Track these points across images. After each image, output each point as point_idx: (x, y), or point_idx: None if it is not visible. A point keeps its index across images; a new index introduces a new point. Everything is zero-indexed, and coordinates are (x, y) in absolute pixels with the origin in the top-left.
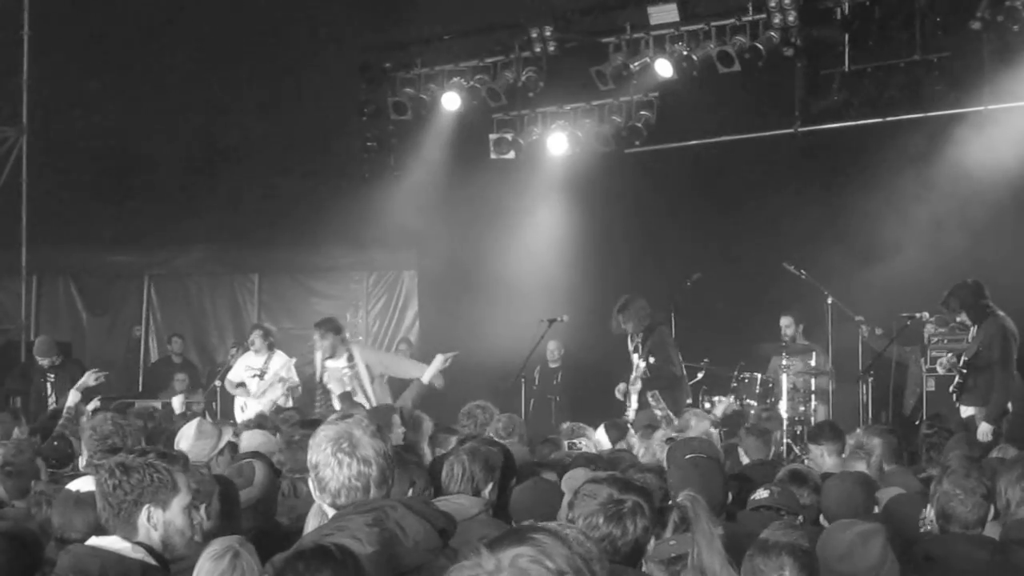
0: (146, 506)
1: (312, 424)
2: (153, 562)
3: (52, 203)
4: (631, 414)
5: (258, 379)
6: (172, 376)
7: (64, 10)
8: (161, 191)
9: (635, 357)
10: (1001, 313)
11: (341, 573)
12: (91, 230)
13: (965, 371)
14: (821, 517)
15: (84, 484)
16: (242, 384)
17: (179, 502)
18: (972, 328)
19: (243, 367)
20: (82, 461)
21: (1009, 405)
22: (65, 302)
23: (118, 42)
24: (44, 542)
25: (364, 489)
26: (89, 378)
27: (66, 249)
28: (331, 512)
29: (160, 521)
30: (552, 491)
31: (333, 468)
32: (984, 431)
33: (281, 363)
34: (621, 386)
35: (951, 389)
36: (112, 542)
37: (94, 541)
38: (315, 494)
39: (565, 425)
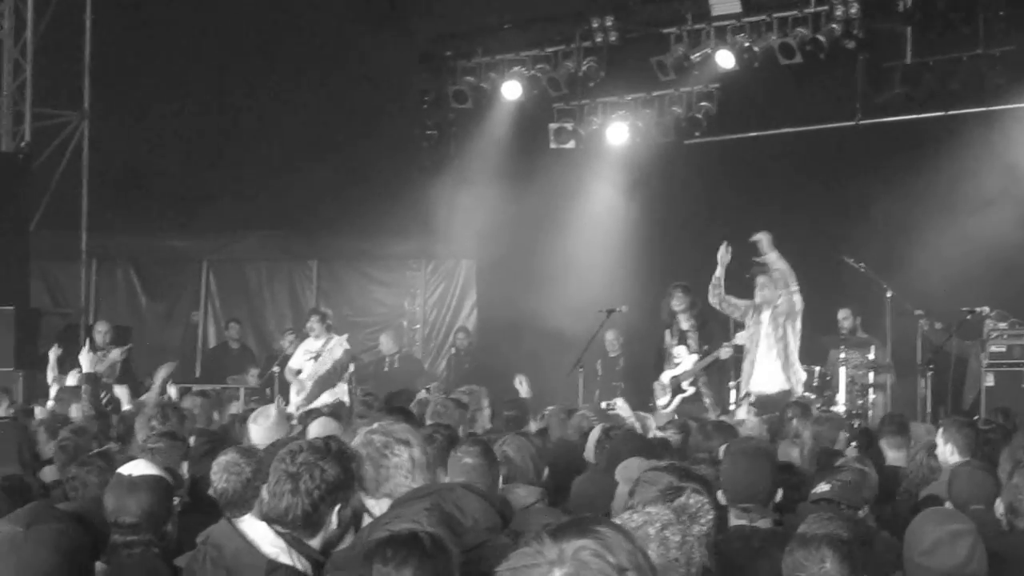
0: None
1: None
2: (288, 560)
3: (112, 188)
4: (664, 402)
5: (312, 362)
6: (229, 362)
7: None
8: (220, 177)
9: (680, 349)
10: None
11: (427, 564)
12: (151, 215)
13: None
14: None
15: (137, 468)
16: (300, 371)
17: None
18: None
19: (302, 352)
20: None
21: None
22: (124, 287)
23: (180, 26)
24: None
25: (408, 473)
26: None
27: (126, 234)
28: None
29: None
30: (610, 483)
31: (375, 461)
32: None
33: (337, 348)
34: (665, 377)
35: None
36: (257, 528)
37: (245, 522)
38: (371, 485)
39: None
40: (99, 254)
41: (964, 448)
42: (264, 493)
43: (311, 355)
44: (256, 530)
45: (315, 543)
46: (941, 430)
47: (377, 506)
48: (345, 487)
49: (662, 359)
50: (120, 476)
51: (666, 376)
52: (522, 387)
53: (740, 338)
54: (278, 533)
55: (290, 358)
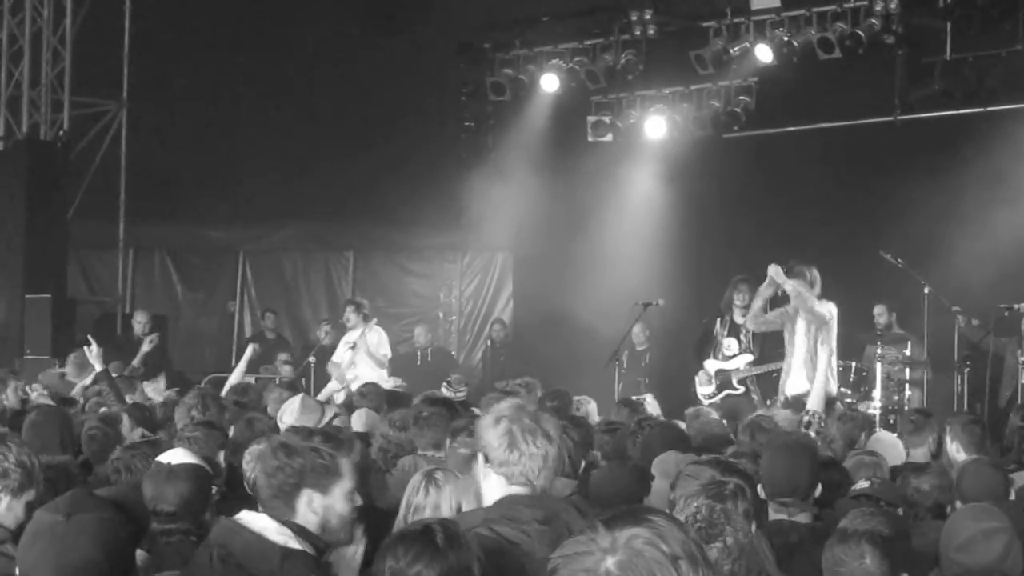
0: (306, 490)
1: (442, 402)
2: (297, 546)
3: (150, 177)
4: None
5: (351, 351)
6: (265, 352)
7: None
8: (258, 167)
9: (732, 342)
10: None
11: (438, 559)
12: (188, 205)
13: None
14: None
15: (176, 456)
16: (340, 363)
17: (341, 488)
18: None
19: (343, 345)
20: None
21: None
22: (161, 276)
23: (218, 16)
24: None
25: (543, 460)
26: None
27: (163, 224)
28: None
29: (320, 506)
30: (635, 475)
31: (516, 442)
32: None
33: (374, 337)
34: (711, 367)
35: None
36: (259, 519)
37: (245, 516)
38: (482, 470)
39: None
40: (136, 243)
41: (969, 445)
42: (258, 484)
43: (349, 345)
44: (259, 521)
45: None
46: (948, 428)
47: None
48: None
49: (707, 345)
50: (159, 464)
51: (713, 366)
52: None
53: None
54: (281, 522)
55: (325, 348)
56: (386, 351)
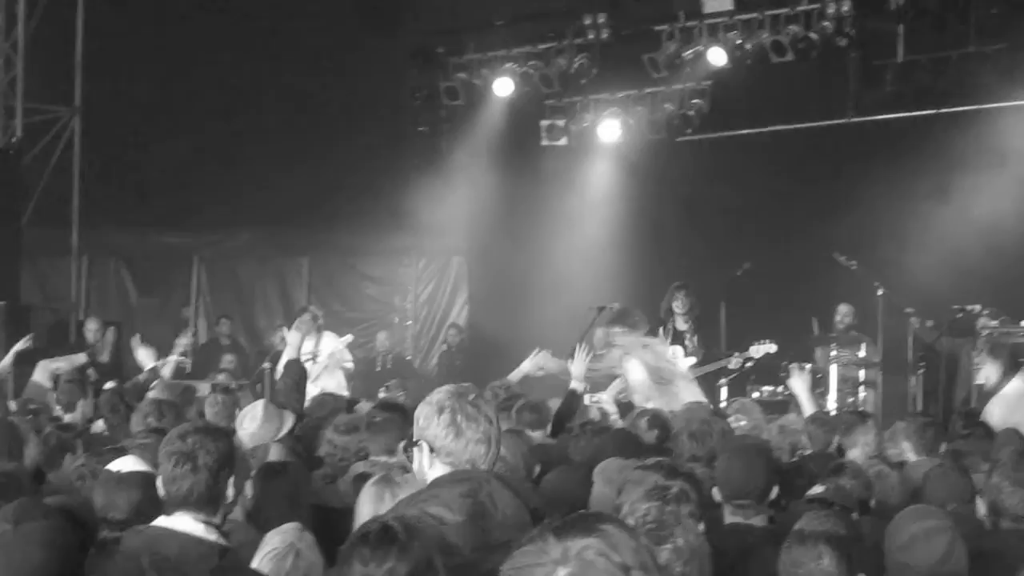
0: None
1: (395, 408)
2: (227, 543)
3: (104, 184)
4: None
5: (311, 363)
6: (220, 359)
7: None
8: (212, 173)
9: (676, 350)
10: None
11: (405, 554)
12: (142, 211)
13: None
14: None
15: (126, 464)
16: None
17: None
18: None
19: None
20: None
21: None
22: (115, 283)
23: (171, 23)
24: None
25: (487, 443)
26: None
27: (117, 230)
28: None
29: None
30: (583, 479)
31: (459, 426)
32: None
33: (333, 345)
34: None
35: None
36: (185, 523)
37: (164, 522)
38: (426, 458)
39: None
40: (90, 250)
41: (920, 447)
42: (159, 483)
43: (306, 356)
44: (184, 523)
45: (218, 519)
46: (902, 428)
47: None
48: (233, 459)
49: None
50: (108, 472)
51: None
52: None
53: (755, 351)
54: (206, 523)
55: (281, 354)
56: (352, 364)
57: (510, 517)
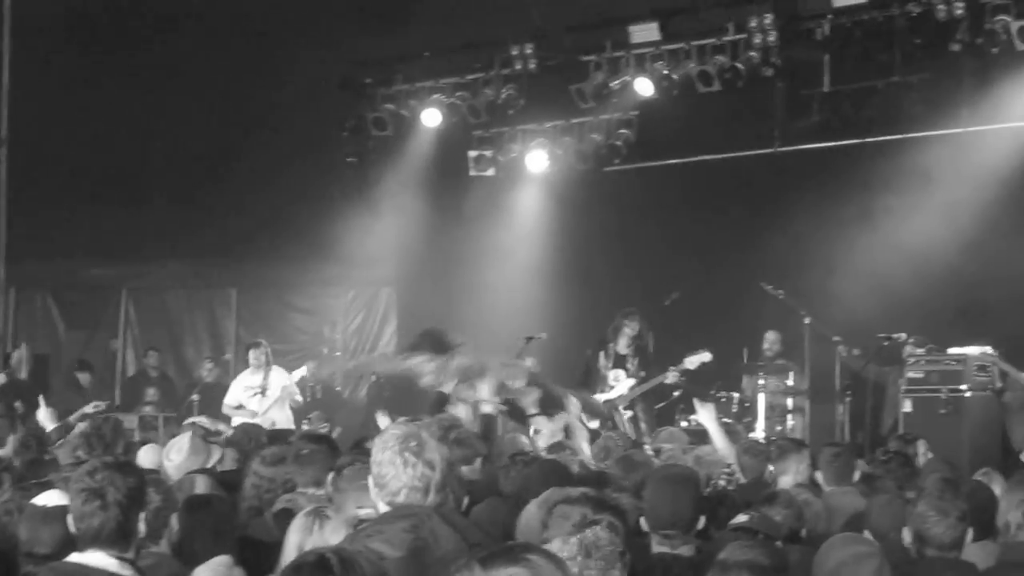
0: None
1: (323, 439)
2: None
3: (31, 216)
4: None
5: (260, 397)
6: (148, 391)
7: (45, 22)
8: (139, 205)
9: (618, 373)
10: None
11: None
12: (69, 244)
13: None
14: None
15: (51, 498)
16: (241, 407)
17: None
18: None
19: (241, 388)
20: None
21: None
22: (43, 315)
23: (98, 56)
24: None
25: (424, 491)
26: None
27: (44, 262)
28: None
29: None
30: (513, 510)
31: (398, 467)
32: None
33: (283, 379)
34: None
35: None
36: (98, 559)
37: (78, 558)
38: (372, 492)
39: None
40: (17, 282)
41: (831, 478)
42: (69, 519)
43: (254, 390)
44: (97, 559)
45: (131, 554)
46: (816, 456)
47: None
48: (143, 494)
49: (591, 380)
50: (34, 507)
51: (599, 400)
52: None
53: (690, 363)
54: (115, 557)
55: (209, 386)
56: (300, 397)
57: (450, 552)
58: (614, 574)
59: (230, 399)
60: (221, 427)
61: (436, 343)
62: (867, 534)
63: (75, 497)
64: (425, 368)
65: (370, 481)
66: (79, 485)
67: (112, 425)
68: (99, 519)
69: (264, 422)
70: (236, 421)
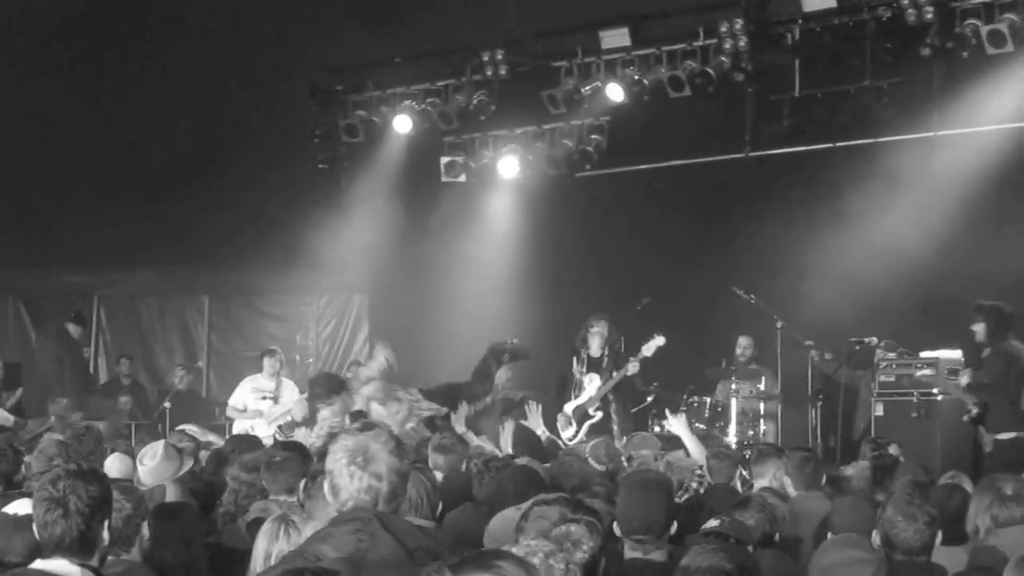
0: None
1: (294, 447)
2: None
3: (1, 222)
4: (569, 434)
5: (272, 402)
6: (120, 398)
7: (21, 29)
8: (111, 212)
9: (593, 376)
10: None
11: None
12: (40, 251)
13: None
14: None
15: (22, 507)
16: (245, 409)
17: None
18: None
19: (249, 389)
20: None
21: None
22: (14, 323)
23: (73, 64)
24: None
25: (373, 503)
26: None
27: (15, 269)
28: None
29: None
30: (484, 516)
31: (345, 478)
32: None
33: (295, 395)
34: (568, 408)
35: (969, 419)
36: (60, 566)
37: (40, 565)
38: (328, 498)
39: None
40: None
41: (799, 483)
42: (34, 527)
43: (264, 394)
44: (60, 566)
45: (95, 562)
46: (785, 461)
47: None
48: (108, 502)
49: (566, 387)
50: (5, 516)
51: (569, 407)
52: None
53: (646, 350)
54: (82, 565)
55: (181, 393)
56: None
57: (386, 557)
58: (581, 563)
59: (235, 401)
60: (211, 438)
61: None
62: (830, 536)
63: (37, 506)
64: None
65: (325, 488)
66: (42, 494)
67: (94, 435)
68: (60, 528)
69: (268, 429)
70: (239, 424)
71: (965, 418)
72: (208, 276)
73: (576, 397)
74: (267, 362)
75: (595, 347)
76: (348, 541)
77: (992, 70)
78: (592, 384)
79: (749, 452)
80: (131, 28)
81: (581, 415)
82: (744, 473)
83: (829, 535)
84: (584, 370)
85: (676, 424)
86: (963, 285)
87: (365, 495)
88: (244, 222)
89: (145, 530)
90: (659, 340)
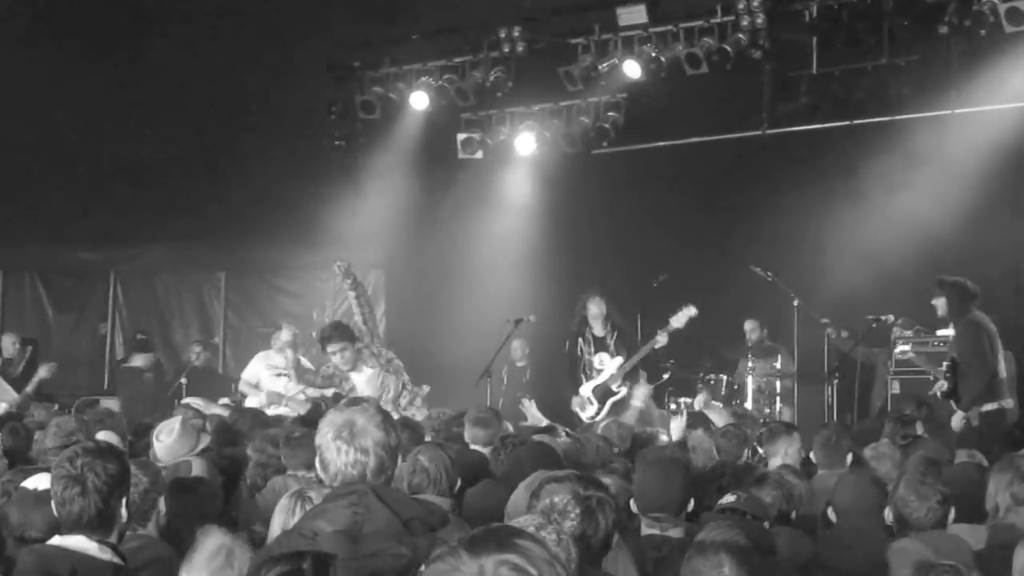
0: (124, 498)
1: (312, 422)
2: (121, 562)
3: (18, 200)
4: (591, 413)
5: (287, 379)
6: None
7: (36, 9)
8: (128, 188)
9: (603, 356)
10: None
11: None
12: (57, 227)
13: (949, 375)
14: (830, 510)
15: (43, 481)
16: (257, 385)
17: None
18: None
19: (263, 365)
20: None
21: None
22: (31, 299)
23: (84, 39)
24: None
25: (360, 477)
26: (43, 371)
27: (33, 246)
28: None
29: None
30: (503, 493)
31: (332, 453)
32: (956, 420)
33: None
34: (586, 390)
35: (940, 394)
36: (78, 542)
37: (59, 541)
38: (320, 474)
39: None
40: (5, 266)
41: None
42: (52, 505)
43: (278, 371)
44: (78, 542)
45: (113, 539)
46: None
47: None
48: (126, 479)
49: (576, 370)
50: (24, 491)
51: (587, 388)
52: (530, 409)
53: (676, 321)
54: (99, 541)
55: (197, 370)
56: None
57: (381, 529)
58: (571, 531)
59: (248, 375)
60: (215, 410)
61: None
62: (830, 511)
63: (55, 483)
64: None
65: (317, 464)
66: (59, 471)
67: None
68: (79, 505)
69: (292, 405)
70: (252, 399)
71: (936, 392)
72: (224, 252)
73: (589, 378)
74: (274, 338)
75: (598, 327)
76: (344, 515)
77: (1010, 48)
78: (607, 364)
79: (764, 430)
80: (150, 7)
81: (603, 393)
82: (761, 451)
83: (831, 512)
84: (592, 350)
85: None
86: (980, 263)
87: (352, 469)
88: (261, 199)
89: (162, 505)
90: (691, 311)
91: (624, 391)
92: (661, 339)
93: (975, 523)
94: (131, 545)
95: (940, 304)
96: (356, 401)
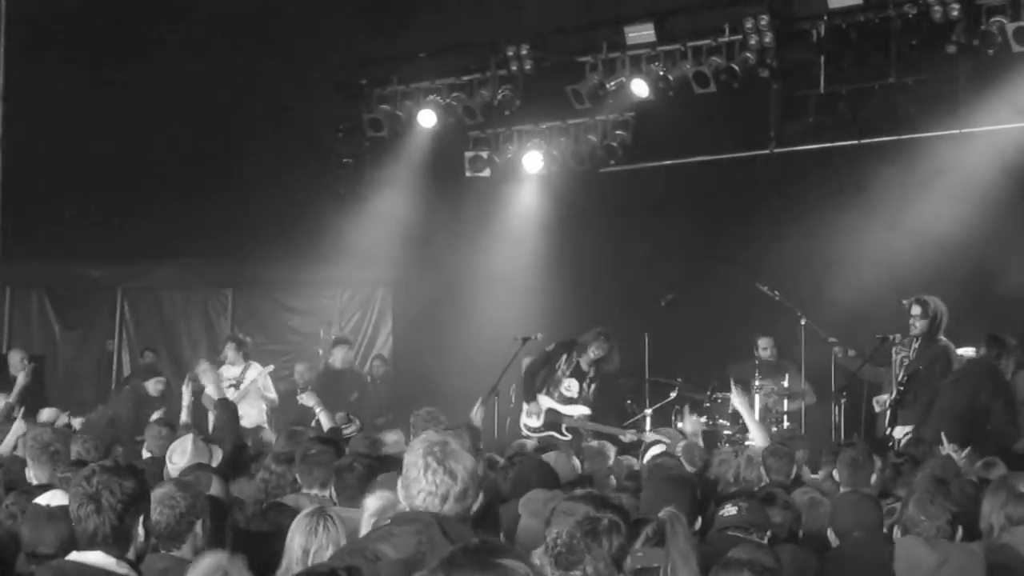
0: (141, 516)
1: (330, 441)
2: None
3: (26, 216)
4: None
5: (234, 390)
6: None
7: (38, 23)
8: (135, 205)
9: (572, 383)
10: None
11: None
12: (65, 243)
13: (903, 388)
14: (830, 532)
15: (55, 498)
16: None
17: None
18: (913, 347)
19: (222, 382)
20: (29, 472)
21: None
22: (38, 315)
23: (95, 57)
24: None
25: (442, 499)
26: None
27: (40, 262)
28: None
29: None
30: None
31: (420, 471)
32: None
33: (257, 373)
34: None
35: (887, 405)
36: (97, 558)
37: (77, 556)
38: (400, 492)
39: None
40: (12, 282)
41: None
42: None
43: (230, 382)
44: (95, 558)
45: (131, 555)
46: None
47: None
48: (144, 498)
49: (544, 373)
50: (36, 507)
51: (546, 403)
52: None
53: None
54: (117, 557)
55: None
56: (275, 395)
57: None
58: (597, 568)
59: (210, 392)
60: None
61: None
62: (830, 533)
63: (72, 501)
64: None
65: (399, 481)
66: (76, 490)
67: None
68: (93, 523)
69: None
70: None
71: (876, 407)
72: (232, 269)
73: (549, 393)
74: (227, 349)
75: (586, 361)
76: (409, 543)
77: (1018, 67)
78: (572, 395)
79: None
80: (154, 21)
81: (552, 421)
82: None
83: (830, 532)
84: (568, 372)
85: (739, 402)
86: (988, 282)
87: (436, 489)
88: (268, 216)
89: (199, 529)
90: (662, 446)
91: (568, 437)
92: (628, 437)
93: (969, 542)
94: (158, 566)
95: (921, 325)
96: (452, 427)
